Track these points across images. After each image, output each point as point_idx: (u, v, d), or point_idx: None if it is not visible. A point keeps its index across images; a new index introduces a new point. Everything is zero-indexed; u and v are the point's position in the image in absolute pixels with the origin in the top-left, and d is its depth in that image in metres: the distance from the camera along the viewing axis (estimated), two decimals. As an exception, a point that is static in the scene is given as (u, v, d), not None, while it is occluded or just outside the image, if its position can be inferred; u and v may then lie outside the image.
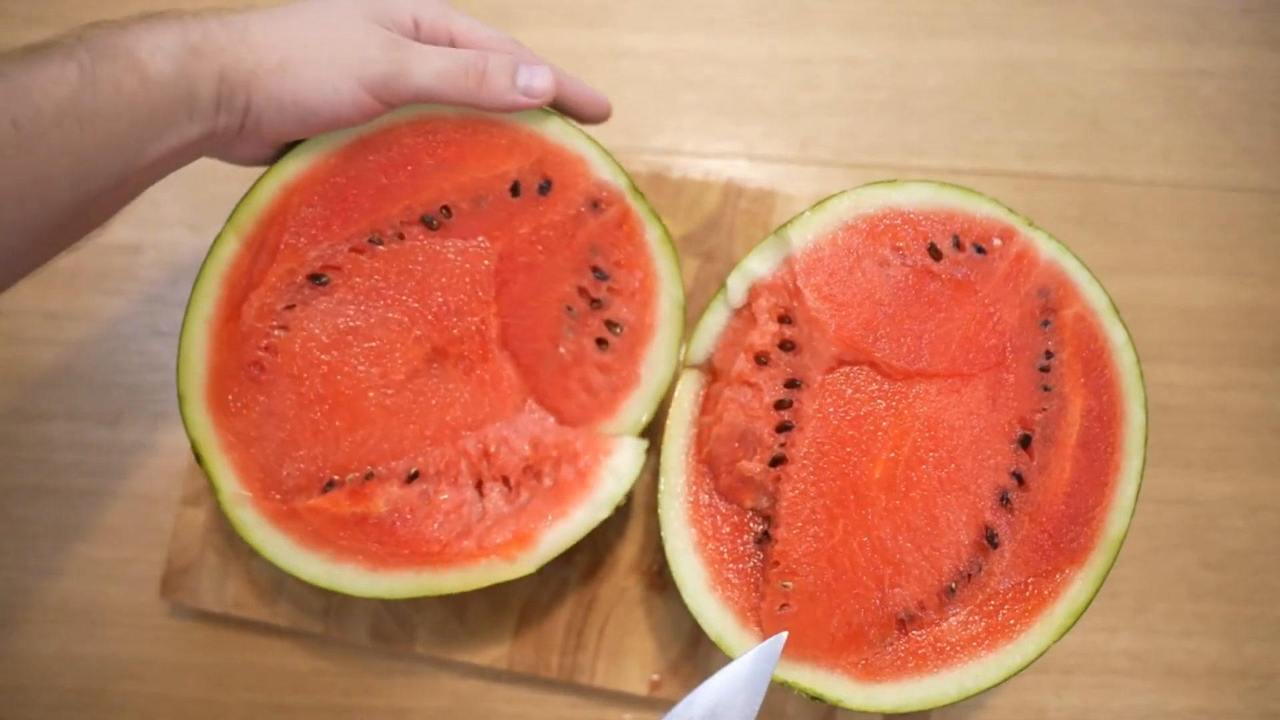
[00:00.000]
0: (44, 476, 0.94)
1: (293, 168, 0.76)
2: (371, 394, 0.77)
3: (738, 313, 0.77)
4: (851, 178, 1.02)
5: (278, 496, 0.75)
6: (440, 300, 0.78)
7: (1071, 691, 0.90)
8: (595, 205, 0.79)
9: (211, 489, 0.75)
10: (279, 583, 0.89)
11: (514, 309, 0.79)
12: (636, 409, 0.79)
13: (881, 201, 0.76)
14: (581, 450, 0.78)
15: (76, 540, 0.93)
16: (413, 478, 0.77)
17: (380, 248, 0.77)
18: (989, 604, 0.73)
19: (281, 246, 0.75)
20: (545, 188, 0.78)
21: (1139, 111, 1.04)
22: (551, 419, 0.79)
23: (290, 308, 0.76)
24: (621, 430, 0.79)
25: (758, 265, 0.76)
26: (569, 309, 0.79)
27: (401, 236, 0.77)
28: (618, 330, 0.79)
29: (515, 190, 0.78)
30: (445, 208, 0.77)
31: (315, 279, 0.76)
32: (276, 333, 0.76)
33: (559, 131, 0.79)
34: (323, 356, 0.76)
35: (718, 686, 0.68)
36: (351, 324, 0.77)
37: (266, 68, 0.69)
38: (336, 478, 0.76)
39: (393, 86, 0.73)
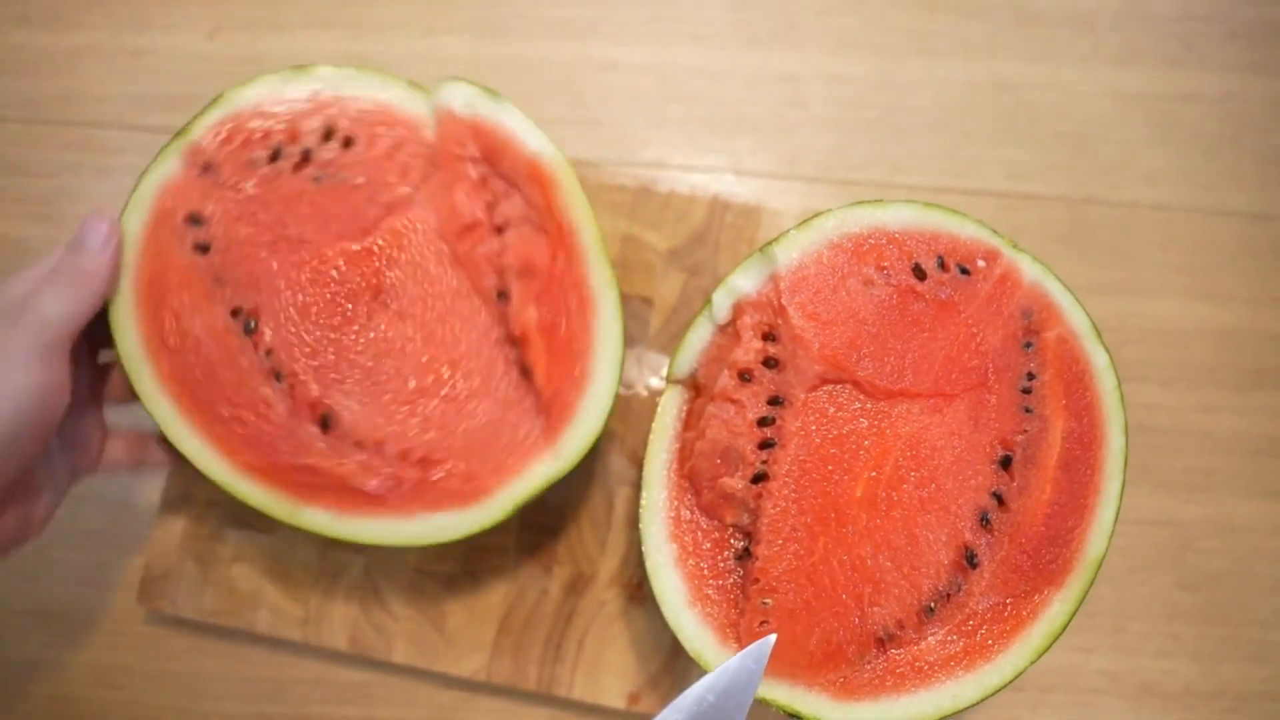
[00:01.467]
0: (22, 480, 0.94)
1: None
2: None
3: (722, 329, 0.77)
4: (838, 194, 1.02)
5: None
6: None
7: (1048, 710, 0.90)
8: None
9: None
10: (258, 591, 0.88)
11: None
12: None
13: (867, 221, 0.76)
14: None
15: (54, 545, 0.93)
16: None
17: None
18: (967, 624, 0.73)
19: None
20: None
21: (1124, 134, 1.04)
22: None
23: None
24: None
25: (743, 282, 0.76)
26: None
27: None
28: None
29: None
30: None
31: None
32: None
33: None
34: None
35: (697, 695, 0.67)
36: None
37: None
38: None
39: (52, 345, 0.68)
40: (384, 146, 0.79)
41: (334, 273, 0.78)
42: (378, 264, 0.79)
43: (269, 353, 0.77)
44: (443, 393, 0.78)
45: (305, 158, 0.78)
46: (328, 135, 0.79)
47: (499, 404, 0.78)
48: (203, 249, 0.77)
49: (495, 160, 0.79)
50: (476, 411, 0.77)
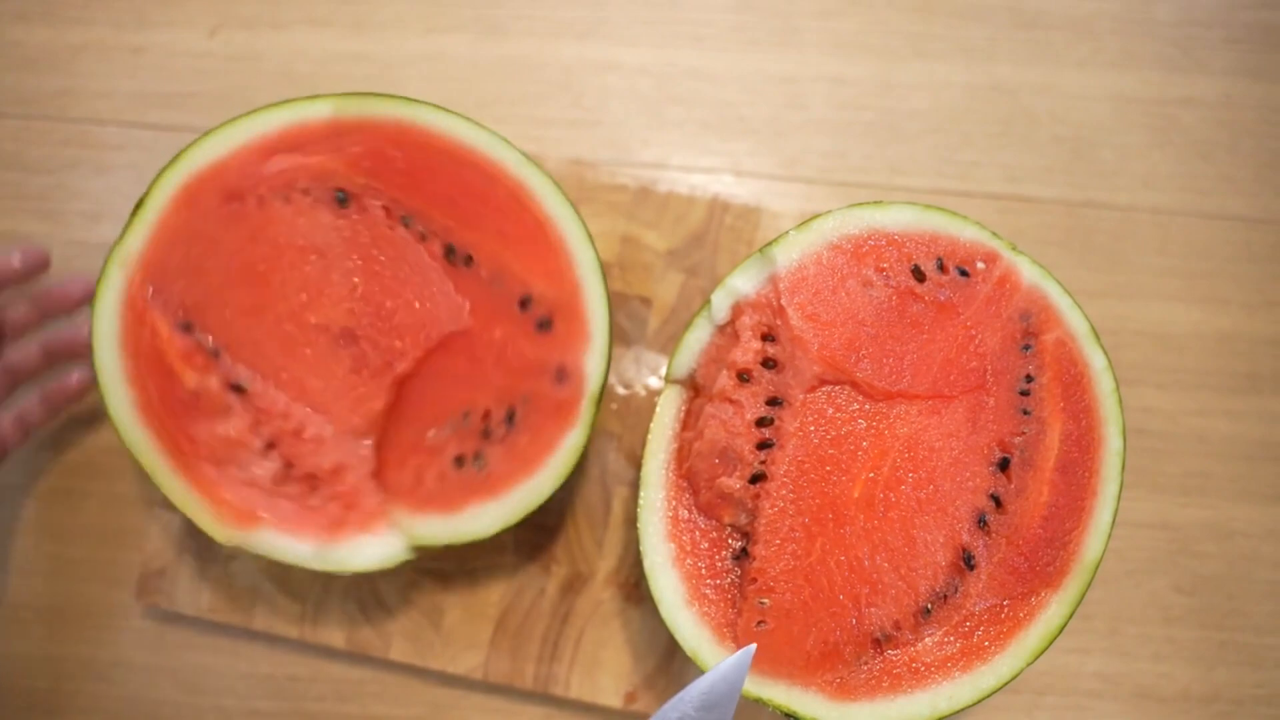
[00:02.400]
0: (20, 475, 0.94)
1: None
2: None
3: (721, 329, 0.77)
4: (836, 196, 1.02)
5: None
6: (389, 305, 0.79)
7: (1043, 712, 0.91)
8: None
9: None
10: (255, 587, 0.88)
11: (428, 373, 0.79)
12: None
13: (866, 222, 0.76)
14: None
15: (51, 540, 0.93)
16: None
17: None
18: (964, 625, 0.73)
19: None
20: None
21: (1122, 138, 1.05)
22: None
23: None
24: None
25: (742, 283, 0.76)
26: (465, 416, 0.79)
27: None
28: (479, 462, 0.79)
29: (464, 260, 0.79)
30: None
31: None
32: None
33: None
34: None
35: (697, 693, 0.67)
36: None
37: None
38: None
39: None
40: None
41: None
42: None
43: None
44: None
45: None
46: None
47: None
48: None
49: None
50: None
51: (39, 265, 0.88)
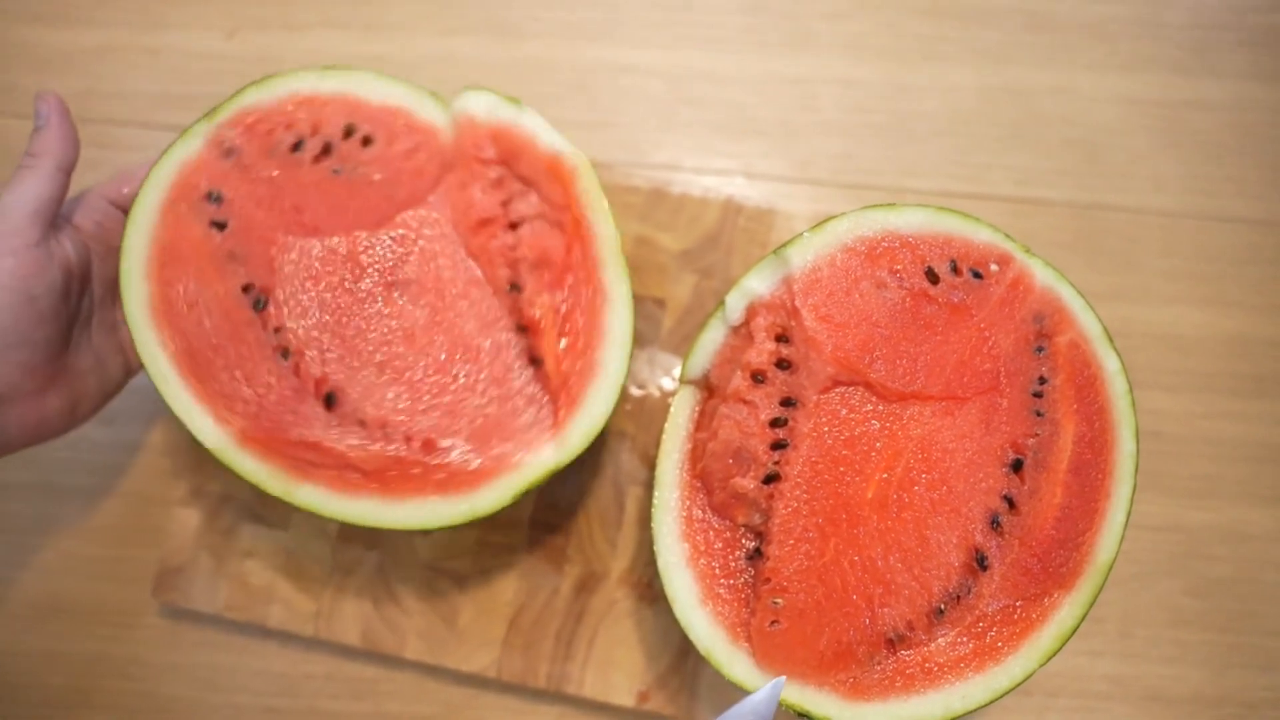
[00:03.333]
0: (38, 473, 0.94)
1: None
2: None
3: (735, 330, 0.77)
4: (848, 198, 1.03)
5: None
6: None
7: (1055, 714, 0.91)
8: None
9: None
10: (271, 585, 0.89)
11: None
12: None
13: (880, 224, 0.76)
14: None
15: (69, 538, 0.93)
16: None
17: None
18: (977, 626, 0.73)
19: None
20: None
21: (1132, 140, 1.05)
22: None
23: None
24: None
25: (757, 284, 0.76)
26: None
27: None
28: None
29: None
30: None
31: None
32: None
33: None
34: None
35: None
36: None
37: None
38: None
39: (45, 211, 0.75)
40: (402, 147, 0.80)
41: (346, 258, 0.80)
42: (390, 253, 0.80)
43: (277, 330, 0.79)
44: (450, 377, 0.79)
45: (325, 150, 0.81)
46: (348, 132, 0.80)
47: (505, 392, 0.79)
48: (219, 226, 0.79)
49: (513, 162, 0.81)
50: (482, 398, 0.79)
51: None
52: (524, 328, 0.80)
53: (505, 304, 0.80)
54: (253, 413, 0.77)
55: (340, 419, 0.78)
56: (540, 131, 0.81)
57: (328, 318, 0.79)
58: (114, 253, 0.81)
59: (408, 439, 0.77)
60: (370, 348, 0.79)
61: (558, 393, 0.78)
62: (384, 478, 0.76)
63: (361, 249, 0.80)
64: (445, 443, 0.77)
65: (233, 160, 0.80)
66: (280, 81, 0.81)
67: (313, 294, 0.79)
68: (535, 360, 0.79)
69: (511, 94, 0.97)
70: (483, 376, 0.79)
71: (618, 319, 0.79)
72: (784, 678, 0.70)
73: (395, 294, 0.80)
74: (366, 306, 0.80)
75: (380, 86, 0.82)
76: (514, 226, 0.81)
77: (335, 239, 0.80)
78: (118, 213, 0.82)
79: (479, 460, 0.77)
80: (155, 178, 0.78)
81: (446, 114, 0.82)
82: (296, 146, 0.81)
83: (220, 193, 0.79)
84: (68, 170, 0.77)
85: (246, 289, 0.79)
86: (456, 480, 0.77)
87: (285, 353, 0.78)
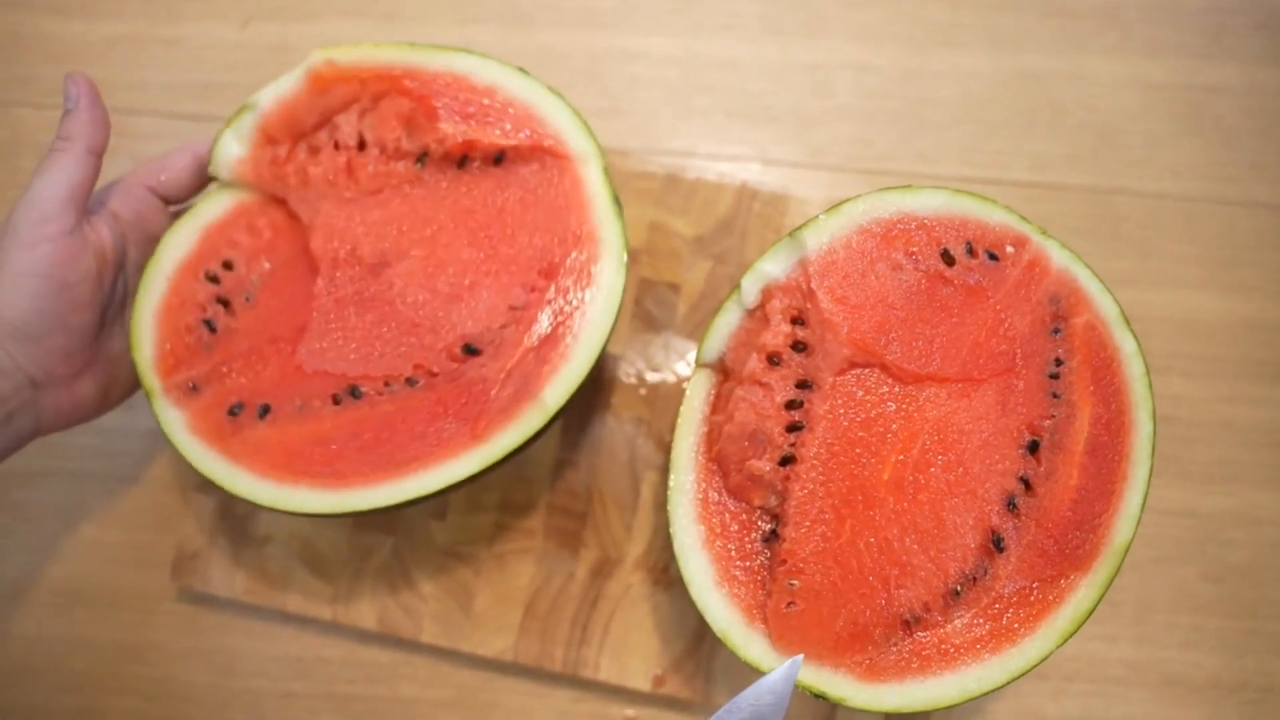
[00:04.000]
0: (55, 460, 0.95)
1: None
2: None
3: (751, 313, 0.77)
4: (863, 184, 1.03)
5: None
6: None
7: (1070, 699, 0.91)
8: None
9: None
10: (288, 570, 0.89)
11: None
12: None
13: (896, 207, 0.76)
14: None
15: (87, 524, 0.94)
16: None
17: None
18: (993, 607, 0.73)
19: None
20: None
21: (1150, 125, 1.05)
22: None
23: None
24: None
25: (772, 267, 0.76)
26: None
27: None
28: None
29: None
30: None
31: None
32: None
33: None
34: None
35: (748, 702, 0.69)
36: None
37: None
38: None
39: (83, 190, 0.75)
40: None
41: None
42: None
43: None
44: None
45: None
46: None
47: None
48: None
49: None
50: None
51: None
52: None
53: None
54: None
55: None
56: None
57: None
58: (151, 240, 0.81)
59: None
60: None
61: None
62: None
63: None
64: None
65: None
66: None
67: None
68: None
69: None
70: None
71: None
72: (801, 656, 0.70)
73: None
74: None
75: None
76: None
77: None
78: (156, 200, 0.82)
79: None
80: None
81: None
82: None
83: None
84: (99, 153, 0.76)
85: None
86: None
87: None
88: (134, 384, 0.82)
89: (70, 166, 0.74)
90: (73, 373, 0.76)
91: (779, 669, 0.70)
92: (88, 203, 0.76)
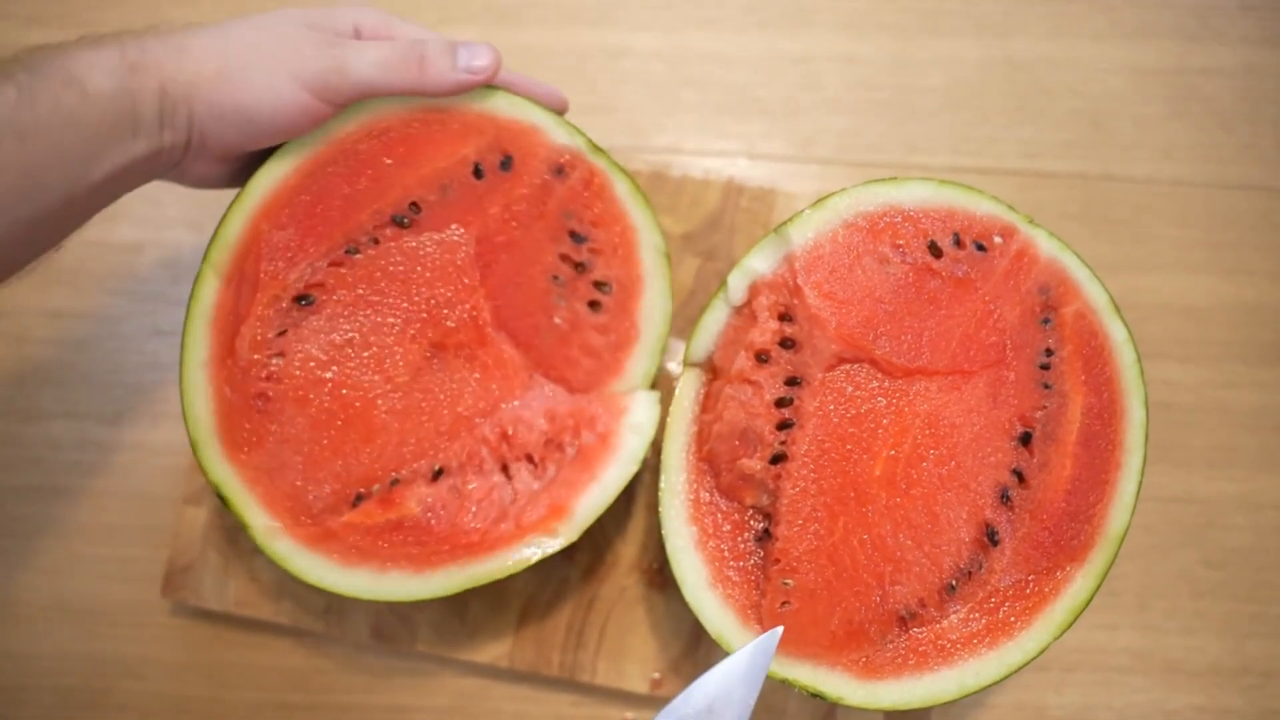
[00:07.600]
0: (45, 475, 0.94)
1: (256, 194, 0.76)
2: (380, 401, 0.77)
3: (738, 311, 0.77)
4: (852, 176, 1.02)
5: (309, 521, 0.75)
6: (427, 295, 0.78)
7: (1072, 689, 0.90)
8: (559, 171, 0.80)
9: (243, 527, 0.75)
10: (280, 581, 0.89)
11: (502, 289, 0.79)
12: (641, 362, 0.80)
13: (882, 199, 0.76)
14: (598, 413, 0.78)
15: (78, 538, 0.93)
16: (438, 474, 0.77)
17: (358, 256, 0.77)
18: (990, 601, 0.73)
19: (261, 275, 0.75)
20: (507, 163, 0.79)
21: (1140, 109, 1.04)
22: (561, 389, 0.79)
23: (282, 333, 0.76)
24: (630, 386, 0.80)
25: (758, 263, 0.76)
26: (555, 278, 0.80)
27: (376, 241, 0.77)
28: (607, 289, 0.80)
29: (478, 172, 0.78)
30: (413, 204, 0.78)
31: (301, 300, 0.76)
32: (274, 361, 0.76)
33: (507, 105, 0.79)
34: (325, 374, 0.76)
35: (714, 681, 0.68)
36: (346, 336, 0.77)
37: (205, 77, 0.69)
38: (363, 490, 0.76)
39: (333, 83, 0.72)
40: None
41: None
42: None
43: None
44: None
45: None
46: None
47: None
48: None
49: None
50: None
51: (558, 107, 0.85)
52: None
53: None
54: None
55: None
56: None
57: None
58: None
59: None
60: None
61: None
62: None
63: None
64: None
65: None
66: None
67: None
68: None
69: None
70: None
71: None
72: (772, 631, 0.70)
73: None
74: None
75: None
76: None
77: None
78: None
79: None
80: None
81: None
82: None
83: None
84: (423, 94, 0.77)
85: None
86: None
87: None
88: (244, 179, 0.78)
89: (398, 87, 0.75)
90: (224, 157, 0.75)
91: (742, 650, 0.69)
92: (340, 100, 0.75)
